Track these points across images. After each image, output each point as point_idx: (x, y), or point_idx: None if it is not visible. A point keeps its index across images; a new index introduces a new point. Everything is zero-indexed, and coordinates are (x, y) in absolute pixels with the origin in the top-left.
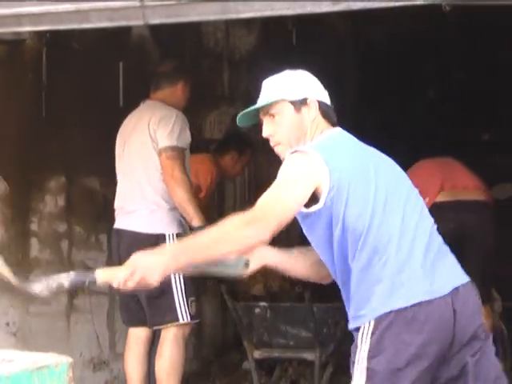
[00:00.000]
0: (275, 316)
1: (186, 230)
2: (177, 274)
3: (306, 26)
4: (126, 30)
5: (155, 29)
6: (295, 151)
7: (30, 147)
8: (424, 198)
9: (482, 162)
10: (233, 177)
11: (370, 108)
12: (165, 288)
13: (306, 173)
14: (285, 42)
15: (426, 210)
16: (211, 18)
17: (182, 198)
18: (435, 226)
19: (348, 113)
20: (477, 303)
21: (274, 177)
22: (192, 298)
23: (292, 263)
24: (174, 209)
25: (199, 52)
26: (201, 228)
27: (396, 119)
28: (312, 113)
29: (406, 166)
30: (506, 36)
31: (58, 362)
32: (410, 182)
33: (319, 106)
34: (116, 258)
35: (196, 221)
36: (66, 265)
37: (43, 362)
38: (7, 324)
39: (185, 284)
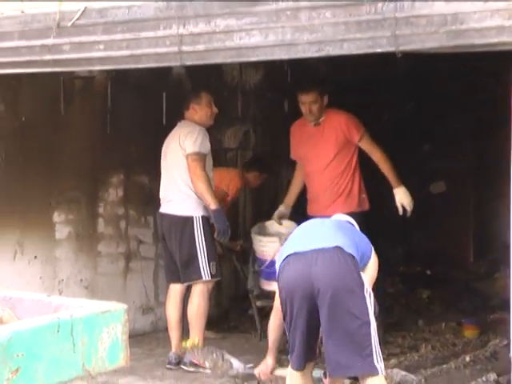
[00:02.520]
0: None
1: (209, 213)
2: (201, 244)
3: (297, 68)
4: (167, 69)
5: (189, 68)
6: None
7: (98, 154)
8: None
9: (422, 166)
10: (252, 188)
11: None
12: (193, 255)
13: None
14: (282, 78)
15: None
16: (230, 60)
17: (202, 188)
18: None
19: None
20: (334, 268)
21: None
22: (213, 262)
23: None
24: (200, 197)
25: (220, 85)
26: (216, 211)
27: None
28: None
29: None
30: (442, 75)
31: (118, 308)
32: None
33: None
34: (160, 233)
35: (212, 205)
36: (123, 238)
37: (107, 308)
38: (81, 280)
39: (207, 252)
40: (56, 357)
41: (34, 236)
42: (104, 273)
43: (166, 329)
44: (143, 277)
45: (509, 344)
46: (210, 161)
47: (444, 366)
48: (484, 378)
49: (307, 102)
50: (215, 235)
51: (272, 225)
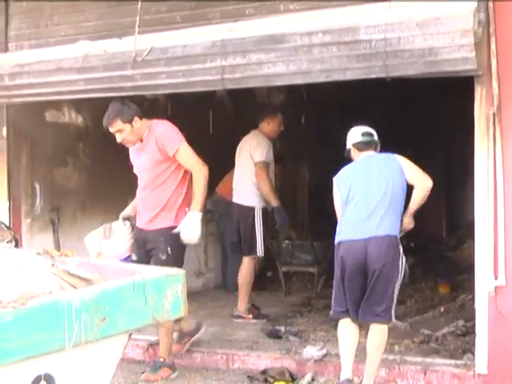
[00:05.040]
0: (293, 248)
1: (267, 206)
2: (259, 229)
3: (312, 90)
4: (213, 92)
5: (229, 91)
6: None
7: None
8: None
9: None
10: (276, 178)
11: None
12: (252, 236)
13: (335, 191)
14: (299, 98)
15: (389, 191)
16: (260, 85)
17: (266, 191)
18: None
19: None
20: (383, 251)
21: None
22: (265, 243)
23: None
24: (261, 194)
25: (253, 103)
26: (277, 207)
27: None
28: (354, 153)
29: None
30: (422, 95)
31: (178, 272)
32: (381, 176)
33: (356, 147)
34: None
35: (274, 203)
36: None
37: (170, 272)
38: None
39: (263, 234)
40: (132, 309)
41: (114, 218)
42: None
43: (214, 288)
44: (196, 249)
45: (473, 298)
46: (272, 166)
47: (424, 314)
48: (454, 324)
49: (114, 132)
50: (277, 226)
51: (116, 225)
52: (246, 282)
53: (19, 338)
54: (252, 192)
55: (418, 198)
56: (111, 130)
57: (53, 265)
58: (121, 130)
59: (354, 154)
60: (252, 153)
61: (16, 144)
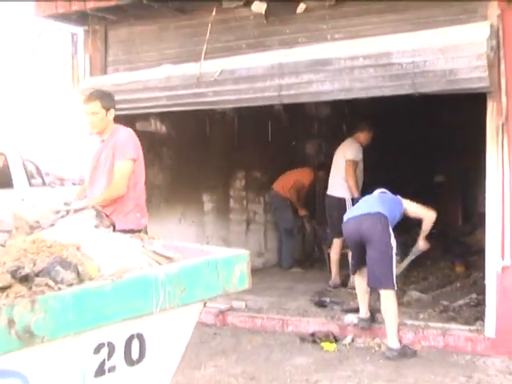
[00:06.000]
0: None
1: (353, 196)
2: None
3: (354, 104)
4: (271, 106)
5: (285, 106)
6: None
7: (229, 159)
8: None
9: (432, 166)
10: (321, 179)
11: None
12: (339, 222)
13: None
14: (342, 111)
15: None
16: (310, 100)
17: (350, 184)
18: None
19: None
20: (372, 225)
21: None
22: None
23: None
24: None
25: (304, 115)
26: (357, 199)
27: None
28: None
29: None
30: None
31: (244, 253)
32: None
33: None
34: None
35: (355, 194)
36: (245, 211)
37: (237, 253)
38: (220, 236)
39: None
40: (207, 282)
41: (192, 209)
42: (234, 232)
43: (272, 266)
44: (257, 234)
45: (484, 275)
46: (361, 165)
47: (443, 289)
48: (468, 297)
49: (88, 112)
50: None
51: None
52: (335, 258)
53: (116, 304)
54: (342, 185)
55: (426, 227)
56: (86, 109)
57: (143, 246)
58: (95, 113)
59: None
60: (345, 153)
61: None
